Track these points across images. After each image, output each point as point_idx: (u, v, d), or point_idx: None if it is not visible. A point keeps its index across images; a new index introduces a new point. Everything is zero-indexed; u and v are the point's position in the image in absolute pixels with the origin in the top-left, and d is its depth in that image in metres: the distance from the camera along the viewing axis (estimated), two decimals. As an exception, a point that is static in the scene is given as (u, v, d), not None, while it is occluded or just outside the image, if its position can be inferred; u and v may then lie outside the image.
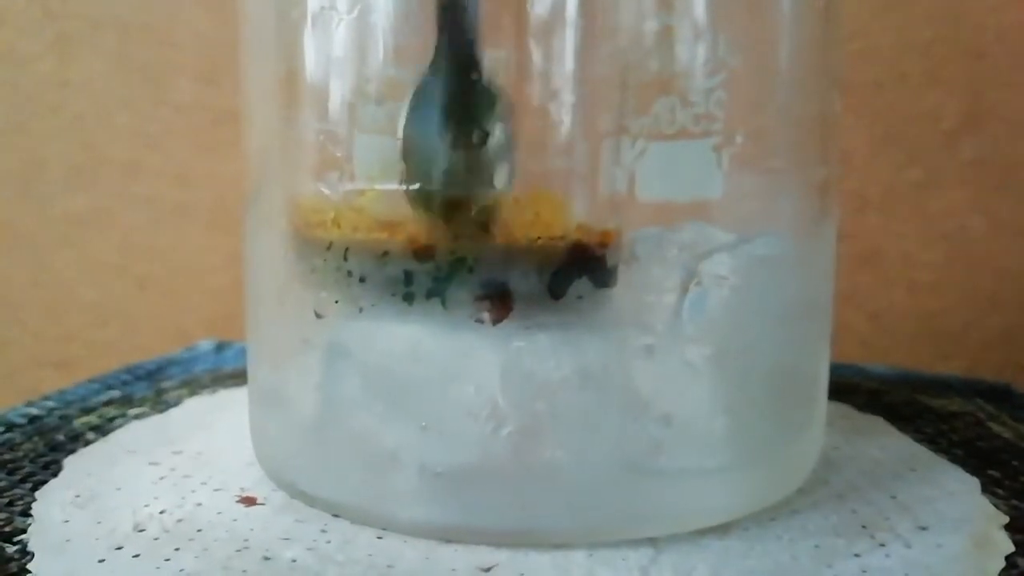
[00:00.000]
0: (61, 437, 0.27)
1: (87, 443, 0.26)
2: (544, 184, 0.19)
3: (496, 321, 0.19)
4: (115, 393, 0.31)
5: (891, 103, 0.42)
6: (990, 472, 0.24)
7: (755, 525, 0.21)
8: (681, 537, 0.20)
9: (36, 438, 0.27)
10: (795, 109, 0.21)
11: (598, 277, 0.19)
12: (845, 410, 0.29)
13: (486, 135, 0.19)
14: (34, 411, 0.29)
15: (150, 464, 0.25)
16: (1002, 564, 0.19)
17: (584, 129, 0.19)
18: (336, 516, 0.21)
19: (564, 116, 0.19)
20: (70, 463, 0.25)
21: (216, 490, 0.23)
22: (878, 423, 0.28)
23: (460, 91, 0.19)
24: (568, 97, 0.19)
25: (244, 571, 0.19)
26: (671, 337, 0.20)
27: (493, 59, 0.19)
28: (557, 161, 0.19)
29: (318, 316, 0.21)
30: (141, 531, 0.21)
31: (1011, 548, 0.20)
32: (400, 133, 0.19)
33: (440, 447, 0.20)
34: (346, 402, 0.21)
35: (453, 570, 0.19)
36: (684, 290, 0.20)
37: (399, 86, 0.20)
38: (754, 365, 0.21)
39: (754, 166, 0.20)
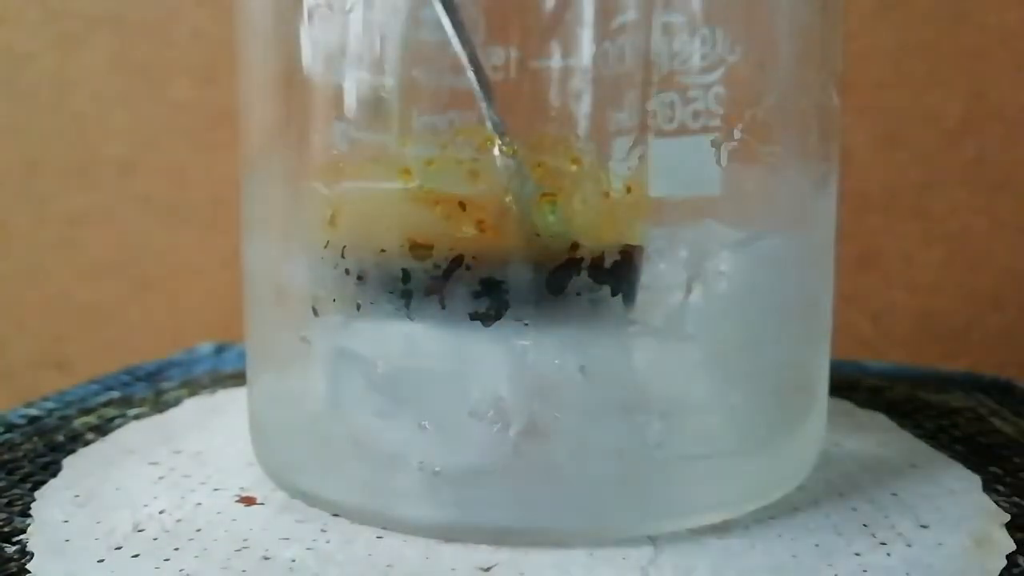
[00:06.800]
0: (61, 437, 0.27)
1: (86, 443, 0.26)
2: (542, 183, 0.19)
3: (494, 319, 0.19)
4: (115, 394, 0.31)
5: (892, 103, 0.42)
6: (991, 469, 0.24)
7: (755, 523, 0.21)
8: (681, 536, 0.20)
9: (36, 438, 0.26)
10: (793, 104, 0.21)
11: (625, 294, 0.19)
12: (846, 406, 0.29)
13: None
14: (34, 412, 0.29)
15: (149, 464, 0.25)
16: (1003, 563, 0.19)
17: (583, 127, 0.19)
18: (336, 516, 0.21)
19: (563, 114, 0.19)
20: (69, 463, 0.25)
21: (215, 490, 0.23)
22: (879, 419, 0.28)
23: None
24: (567, 95, 0.19)
25: (244, 571, 0.19)
26: (673, 335, 0.20)
27: (492, 57, 0.19)
28: (556, 159, 0.19)
29: (316, 314, 0.21)
30: (140, 531, 0.21)
31: (1012, 547, 0.20)
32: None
33: (439, 445, 0.20)
34: (345, 400, 0.21)
35: (453, 570, 0.19)
36: (687, 288, 0.20)
37: (396, 85, 0.20)
38: (754, 362, 0.21)
39: (753, 162, 0.20)
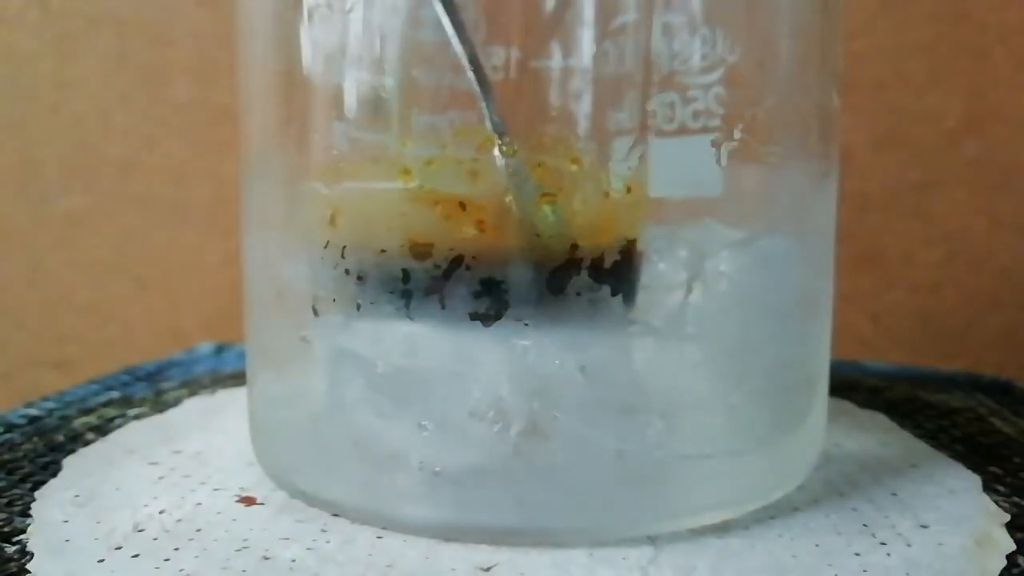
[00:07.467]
0: (60, 437, 0.27)
1: (86, 443, 0.26)
2: (542, 183, 0.19)
3: (494, 319, 0.19)
4: (114, 394, 0.31)
5: (893, 103, 0.42)
6: (991, 469, 0.24)
7: (755, 523, 0.21)
8: (681, 536, 0.20)
9: (36, 438, 0.26)
10: (793, 104, 0.21)
11: (625, 294, 0.19)
12: (846, 406, 0.29)
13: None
14: (34, 412, 0.29)
15: (149, 464, 0.25)
16: (1003, 563, 0.19)
17: (583, 127, 0.19)
18: (336, 516, 0.21)
19: (563, 114, 0.19)
20: (69, 463, 0.25)
21: (215, 490, 0.23)
22: (879, 419, 0.28)
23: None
24: (567, 95, 0.19)
25: (243, 571, 0.19)
26: (673, 335, 0.20)
27: (492, 57, 0.19)
28: (557, 159, 0.19)
29: (316, 314, 0.21)
30: (140, 531, 0.21)
31: (1012, 547, 0.20)
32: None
33: (439, 445, 0.20)
34: (345, 400, 0.21)
35: (453, 570, 0.19)
36: (687, 288, 0.20)
37: (396, 85, 0.20)
38: (754, 362, 0.21)
39: (753, 162, 0.20)
